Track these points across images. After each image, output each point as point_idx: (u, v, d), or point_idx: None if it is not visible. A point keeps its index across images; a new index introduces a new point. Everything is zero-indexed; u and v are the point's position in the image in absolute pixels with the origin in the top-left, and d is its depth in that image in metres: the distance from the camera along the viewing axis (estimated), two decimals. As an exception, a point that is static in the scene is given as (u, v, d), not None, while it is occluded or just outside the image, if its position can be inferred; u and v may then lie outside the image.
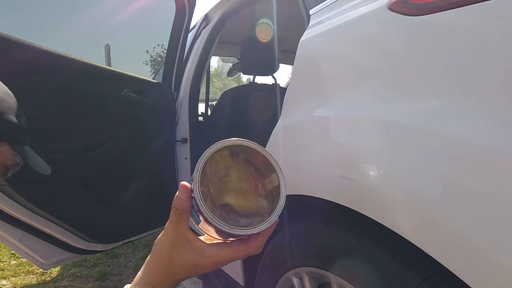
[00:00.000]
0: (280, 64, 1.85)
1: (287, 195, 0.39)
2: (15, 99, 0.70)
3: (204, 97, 2.24)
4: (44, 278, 1.72)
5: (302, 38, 0.80)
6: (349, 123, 0.64)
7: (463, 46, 0.49)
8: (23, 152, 0.68)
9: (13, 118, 0.67)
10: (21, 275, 1.75)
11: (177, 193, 0.38)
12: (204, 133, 1.71)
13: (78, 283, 1.66)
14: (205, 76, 1.97)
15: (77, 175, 1.20)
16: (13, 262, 1.91)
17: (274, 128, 0.84)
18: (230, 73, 2.81)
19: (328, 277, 0.68)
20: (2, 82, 0.68)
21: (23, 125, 0.70)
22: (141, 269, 0.41)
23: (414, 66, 0.55)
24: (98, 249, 1.31)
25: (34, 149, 0.74)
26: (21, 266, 1.84)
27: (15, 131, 0.67)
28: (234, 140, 0.38)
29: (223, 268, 1.16)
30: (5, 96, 0.68)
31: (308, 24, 0.82)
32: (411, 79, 0.55)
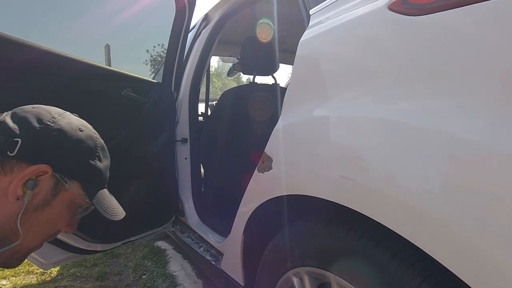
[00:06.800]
0: (280, 64, 1.85)
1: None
2: (97, 141, 0.71)
3: (204, 97, 2.24)
4: (44, 278, 1.71)
5: (302, 38, 0.80)
6: (349, 123, 0.64)
7: (463, 46, 0.49)
8: (91, 194, 0.67)
9: (88, 160, 0.67)
10: (21, 275, 1.74)
11: None
12: (204, 133, 1.71)
13: (78, 283, 1.66)
14: (205, 76, 1.97)
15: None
16: (13, 262, 1.90)
17: (274, 128, 0.84)
18: (230, 73, 2.81)
19: (328, 277, 0.69)
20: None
21: (100, 167, 0.69)
22: None
23: (414, 66, 0.55)
24: (98, 249, 1.31)
25: None
26: (21, 266, 1.83)
27: (88, 173, 0.67)
28: None
29: (223, 268, 1.16)
30: (87, 137, 0.68)
31: (308, 24, 0.82)
32: (411, 79, 0.55)
